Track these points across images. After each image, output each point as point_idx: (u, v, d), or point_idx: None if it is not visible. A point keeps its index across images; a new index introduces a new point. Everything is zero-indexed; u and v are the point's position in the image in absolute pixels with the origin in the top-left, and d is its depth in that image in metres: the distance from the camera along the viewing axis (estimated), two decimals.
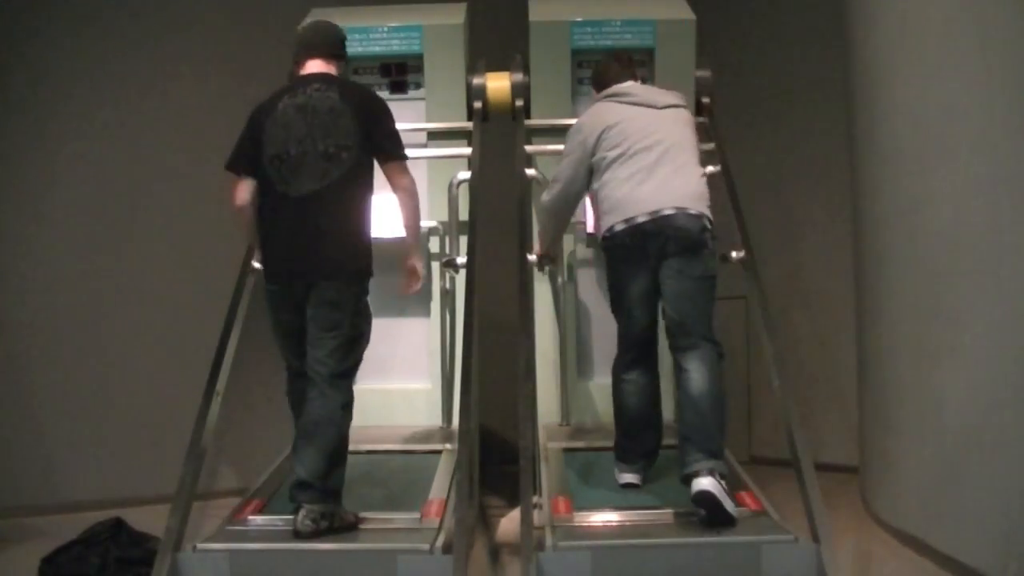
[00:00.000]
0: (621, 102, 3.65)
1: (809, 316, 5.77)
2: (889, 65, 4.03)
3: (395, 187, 3.33)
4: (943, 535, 3.52)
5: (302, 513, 3.14)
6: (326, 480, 3.15)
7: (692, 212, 3.40)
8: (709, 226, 3.44)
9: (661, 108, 3.61)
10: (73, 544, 3.59)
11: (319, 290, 3.18)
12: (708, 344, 3.38)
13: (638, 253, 3.43)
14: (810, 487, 3.18)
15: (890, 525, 4.04)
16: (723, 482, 3.20)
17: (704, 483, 3.16)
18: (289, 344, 3.33)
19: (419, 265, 3.47)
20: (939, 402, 3.62)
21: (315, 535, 3.12)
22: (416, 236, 3.46)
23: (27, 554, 3.70)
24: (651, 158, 3.45)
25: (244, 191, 3.37)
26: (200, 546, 3.15)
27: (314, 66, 3.40)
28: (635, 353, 3.58)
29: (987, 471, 3.25)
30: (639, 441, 3.60)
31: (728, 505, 3.16)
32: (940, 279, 3.63)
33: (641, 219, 3.38)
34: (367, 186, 3.29)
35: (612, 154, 3.51)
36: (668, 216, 3.37)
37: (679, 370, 3.39)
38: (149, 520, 3.74)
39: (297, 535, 3.13)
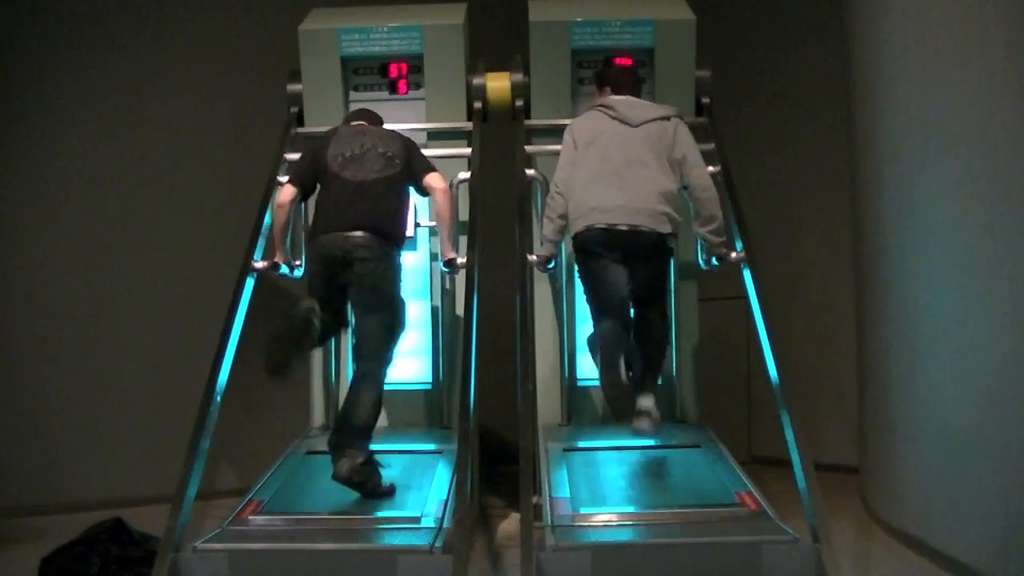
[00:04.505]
0: (605, 114, 3.93)
1: (809, 316, 5.78)
2: (889, 65, 4.03)
3: (434, 190, 3.94)
4: (943, 535, 3.52)
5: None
6: None
7: (649, 228, 3.72)
8: (666, 237, 3.79)
9: (636, 126, 3.86)
10: (73, 544, 3.58)
11: (367, 248, 3.69)
12: (659, 310, 3.95)
13: (607, 247, 3.75)
14: (810, 487, 3.18)
15: (890, 525, 4.04)
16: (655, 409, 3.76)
17: (643, 426, 3.72)
18: (324, 298, 3.75)
19: (457, 257, 4.01)
20: (939, 402, 3.62)
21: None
22: (449, 231, 4.01)
23: (27, 554, 3.69)
24: (619, 172, 3.77)
25: (285, 194, 3.95)
26: (200, 546, 3.15)
27: (360, 120, 4.14)
28: (608, 312, 3.83)
29: (987, 471, 3.25)
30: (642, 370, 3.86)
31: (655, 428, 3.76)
32: (939, 279, 3.63)
33: (599, 226, 3.72)
34: (407, 192, 3.98)
35: (584, 164, 3.83)
36: (627, 230, 3.72)
37: (639, 319, 3.87)
38: (149, 520, 3.74)
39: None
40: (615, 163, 3.79)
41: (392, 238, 3.82)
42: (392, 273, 3.80)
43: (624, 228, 3.71)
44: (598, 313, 3.85)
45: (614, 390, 3.68)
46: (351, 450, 3.54)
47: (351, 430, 3.60)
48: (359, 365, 3.74)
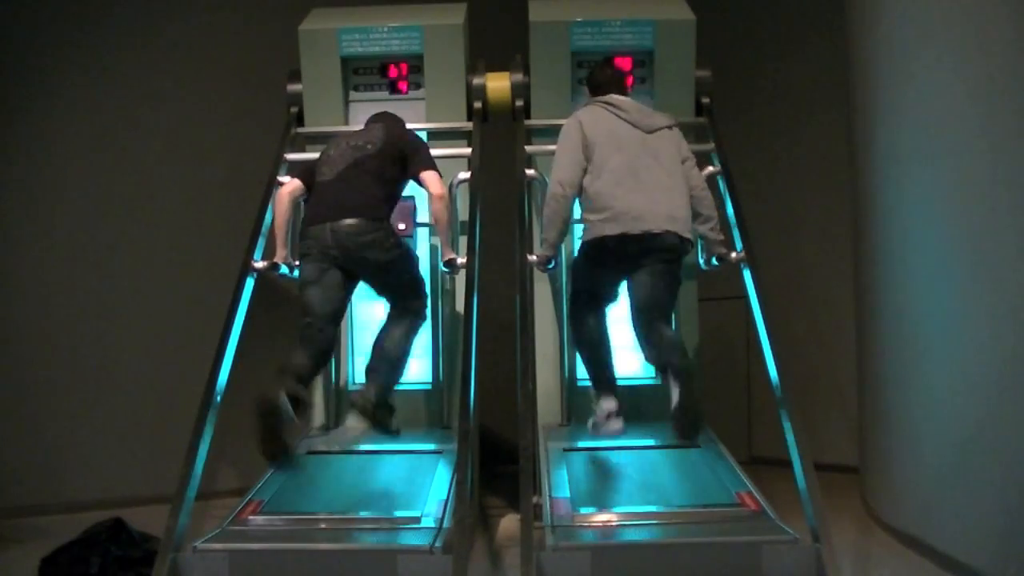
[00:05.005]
0: (614, 114, 3.86)
1: (809, 316, 5.78)
2: (889, 65, 4.03)
3: (428, 194, 3.94)
4: (943, 535, 3.52)
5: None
6: None
7: (675, 232, 3.68)
8: (687, 242, 3.75)
9: (649, 132, 3.83)
10: (73, 544, 3.58)
11: (360, 246, 3.71)
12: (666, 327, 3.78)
13: (620, 258, 3.71)
14: (810, 487, 3.18)
15: (890, 525, 4.04)
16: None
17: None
18: (321, 295, 3.75)
19: (457, 257, 4.00)
20: (939, 402, 3.62)
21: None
22: (447, 234, 4.00)
23: (27, 554, 3.70)
24: (640, 176, 3.71)
25: (289, 185, 3.99)
26: (200, 546, 3.15)
27: (375, 121, 4.16)
28: (592, 303, 3.88)
29: (987, 471, 3.25)
30: (610, 368, 3.89)
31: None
32: (939, 280, 3.63)
33: (633, 232, 3.64)
34: (403, 181, 3.99)
35: (603, 164, 3.75)
36: (656, 235, 3.65)
37: (645, 340, 3.74)
38: (149, 520, 3.74)
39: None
40: (638, 167, 3.73)
41: (380, 216, 3.81)
42: (403, 255, 3.86)
43: (657, 232, 3.63)
44: (586, 302, 3.88)
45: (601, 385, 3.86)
46: (372, 384, 3.80)
47: (378, 362, 3.85)
48: (393, 309, 3.94)
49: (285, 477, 3.77)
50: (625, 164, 3.74)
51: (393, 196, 3.93)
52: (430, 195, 3.93)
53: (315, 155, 4.13)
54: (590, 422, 3.91)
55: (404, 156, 3.94)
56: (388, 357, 3.86)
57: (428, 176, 3.91)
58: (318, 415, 4.48)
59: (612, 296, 3.92)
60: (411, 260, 3.97)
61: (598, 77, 4.10)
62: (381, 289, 3.95)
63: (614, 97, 3.94)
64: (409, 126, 4.43)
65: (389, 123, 4.08)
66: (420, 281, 4.01)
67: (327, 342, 3.77)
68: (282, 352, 4.52)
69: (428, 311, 4.04)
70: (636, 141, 3.79)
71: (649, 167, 3.74)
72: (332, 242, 3.71)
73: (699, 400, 3.58)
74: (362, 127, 4.12)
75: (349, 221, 3.72)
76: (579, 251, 3.89)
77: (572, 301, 3.97)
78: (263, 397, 3.45)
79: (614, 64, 4.27)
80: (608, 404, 3.81)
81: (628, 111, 3.87)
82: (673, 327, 4.16)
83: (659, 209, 3.67)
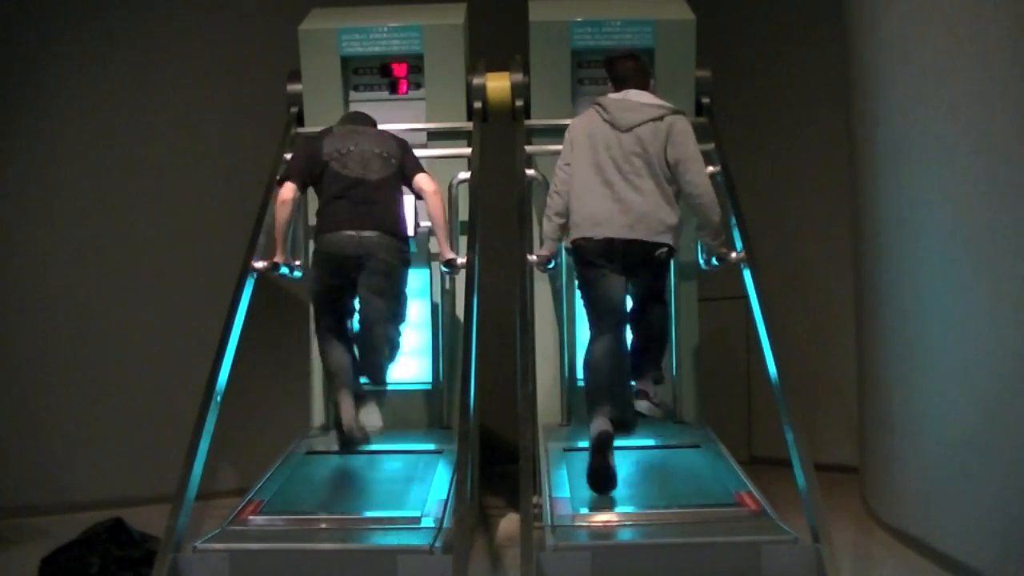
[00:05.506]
0: (599, 114, 3.81)
1: (809, 316, 5.78)
2: (889, 65, 4.03)
3: (424, 192, 4.02)
4: (943, 535, 3.52)
5: None
6: None
7: (642, 239, 3.63)
8: (662, 248, 3.68)
9: (625, 131, 3.70)
10: (73, 544, 3.58)
11: (375, 249, 3.81)
12: (660, 302, 3.91)
13: (605, 258, 3.69)
14: (810, 487, 3.18)
15: (890, 525, 4.04)
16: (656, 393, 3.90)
17: (642, 406, 3.84)
18: (331, 301, 3.93)
19: (457, 257, 4.08)
20: (938, 402, 3.62)
21: None
22: (444, 232, 4.07)
23: (27, 554, 3.70)
24: (607, 179, 3.68)
25: (288, 191, 3.97)
26: (200, 546, 3.15)
27: (354, 122, 4.19)
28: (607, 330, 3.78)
29: (987, 471, 3.25)
30: (607, 390, 3.66)
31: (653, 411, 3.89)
32: (939, 279, 3.63)
33: (597, 238, 3.66)
34: (402, 191, 4.07)
35: (577, 168, 3.77)
36: (620, 243, 3.64)
37: (638, 311, 3.85)
38: (149, 520, 3.74)
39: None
40: (606, 171, 3.68)
41: (401, 236, 3.95)
42: (403, 270, 3.97)
43: (620, 240, 3.63)
44: (593, 325, 3.78)
45: (597, 423, 3.55)
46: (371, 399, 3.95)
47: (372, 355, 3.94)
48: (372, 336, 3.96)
49: (285, 477, 3.78)
50: (592, 167, 3.71)
51: (404, 211, 4.08)
52: (427, 194, 4.00)
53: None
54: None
55: (403, 166, 4.02)
56: (380, 347, 3.96)
57: (422, 178, 4.03)
58: (318, 415, 4.48)
59: (614, 303, 3.74)
60: (406, 278, 4.05)
61: (619, 70, 3.92)
62: (372, 296, 3.89)
63: (607, 97, 3.84)
64: (410, 126, 4.49)
65: (379, 130, 4.15)
66: (405, 296, 4.07)
67: (348, 343, 3.98)
68: (281, 352, 4.54)
69: (404, 320, 4.10)
70: (610, 143, 3.70)
71: (622, 171, 3.66)
72: (355, 252, 3.80)
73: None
74: (351, 126, 4.10)
75: (376, 234, 3.83)
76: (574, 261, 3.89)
77: (590, 327, 3.83)
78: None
79: (634, 57, 3.98)
80: (599, 422, 3.56)
81: (611, 111, 3.75)
82: (672, 324, 4.25)
83: (623, 217, 3.62)
